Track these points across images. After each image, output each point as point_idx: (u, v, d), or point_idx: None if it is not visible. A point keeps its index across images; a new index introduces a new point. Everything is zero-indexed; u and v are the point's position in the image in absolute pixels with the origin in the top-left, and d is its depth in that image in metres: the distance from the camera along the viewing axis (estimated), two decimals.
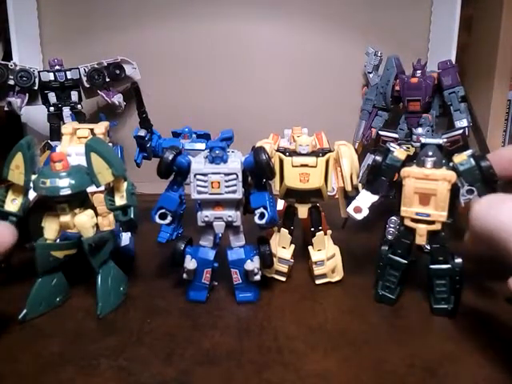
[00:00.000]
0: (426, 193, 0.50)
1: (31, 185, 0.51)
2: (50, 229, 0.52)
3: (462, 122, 0.87)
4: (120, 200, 0.53)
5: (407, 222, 0.52)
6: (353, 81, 1.05)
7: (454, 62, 0.89)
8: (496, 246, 0.38)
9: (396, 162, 0.53)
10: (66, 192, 0.50)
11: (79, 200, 0.53)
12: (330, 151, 0.58)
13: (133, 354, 0.45)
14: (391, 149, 0.54)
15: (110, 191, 0.54)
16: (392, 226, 0.54)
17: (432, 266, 0.52)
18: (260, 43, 1.05)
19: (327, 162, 0.57)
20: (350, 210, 0.56)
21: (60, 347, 0.46)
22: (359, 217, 0.55)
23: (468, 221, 0.42)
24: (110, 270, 0.55)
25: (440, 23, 1.02)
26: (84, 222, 0.52)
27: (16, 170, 0.50)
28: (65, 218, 0.52)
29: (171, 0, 1.02)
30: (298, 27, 1.04)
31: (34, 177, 0.51)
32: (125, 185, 0.53)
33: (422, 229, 0.51)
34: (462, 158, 0.50)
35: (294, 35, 1.04)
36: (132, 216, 0.53)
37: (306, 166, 0.56)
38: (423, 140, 0.51)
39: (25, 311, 0.51)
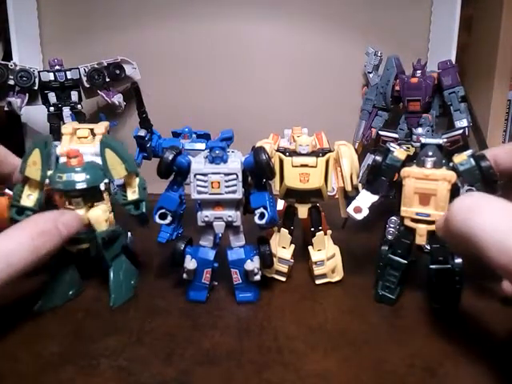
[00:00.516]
0: (426, 193, 0.50)
1: (47, 180, 0.52)
2: None
3: (462, 122, 0.87)
4: (132, 195, 0.56)
5: (407, 222, 0.52)
6: (353, 81, 1.05)
7: (454, 62, 0.90)
8: (471, 249, 0.37)
9: (396, 162, 0.53)
10: (82, 186, 0.51)
11: (93, 195, 0.54)
12: (330, 151, 0.57)
13: (133, 354, 0.45)
14: (391, 149, 0.54)
15: (123, 186, 0.56)
16: (392, 225, 0.54)
17: (432, 266, 0.52)
18: (260, 43, 1.05)
19: (327, 162, 0.57)
20: (350, 210, 0.56)
21: (60, 347, 0.46)
22: (359, 217, 0.55)
23: (445, 219, 0.42)
24: (121, 263, 0.57)
25: (440, 23, 1.02)
26: (98, 216, 0.53)
27: (33, 166, 0.53)
28: (79, 213, 0.53)
29: (171, 0, 1.02)
30: (298, 27, 1.04)
31: (50, 172, 0.53)
32: (137, 180, 0.56)
33: (421, 229, 0.51)
34: (462, 158, 0.50)
35: (294, 35, 1.04)
36: (144, 210, 0.55)
37: (305, 166, 0.56)
38: (423, 140, 0.51)
39: (40, 302, 0.52)
